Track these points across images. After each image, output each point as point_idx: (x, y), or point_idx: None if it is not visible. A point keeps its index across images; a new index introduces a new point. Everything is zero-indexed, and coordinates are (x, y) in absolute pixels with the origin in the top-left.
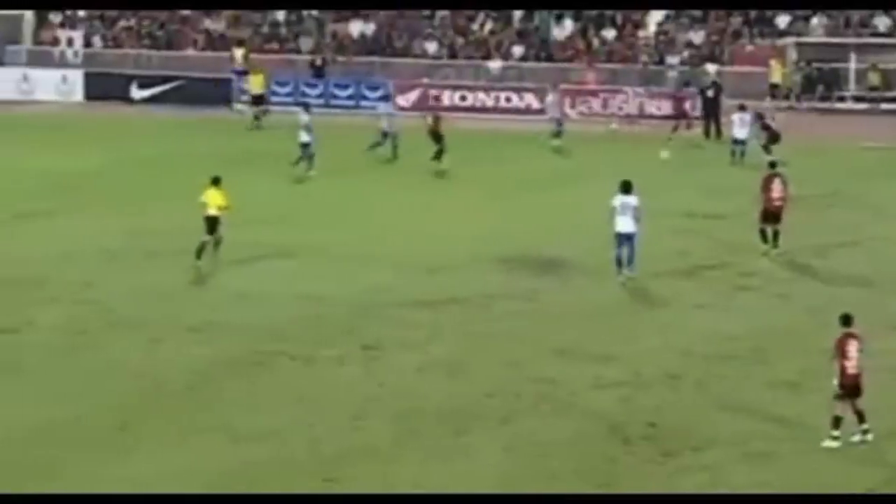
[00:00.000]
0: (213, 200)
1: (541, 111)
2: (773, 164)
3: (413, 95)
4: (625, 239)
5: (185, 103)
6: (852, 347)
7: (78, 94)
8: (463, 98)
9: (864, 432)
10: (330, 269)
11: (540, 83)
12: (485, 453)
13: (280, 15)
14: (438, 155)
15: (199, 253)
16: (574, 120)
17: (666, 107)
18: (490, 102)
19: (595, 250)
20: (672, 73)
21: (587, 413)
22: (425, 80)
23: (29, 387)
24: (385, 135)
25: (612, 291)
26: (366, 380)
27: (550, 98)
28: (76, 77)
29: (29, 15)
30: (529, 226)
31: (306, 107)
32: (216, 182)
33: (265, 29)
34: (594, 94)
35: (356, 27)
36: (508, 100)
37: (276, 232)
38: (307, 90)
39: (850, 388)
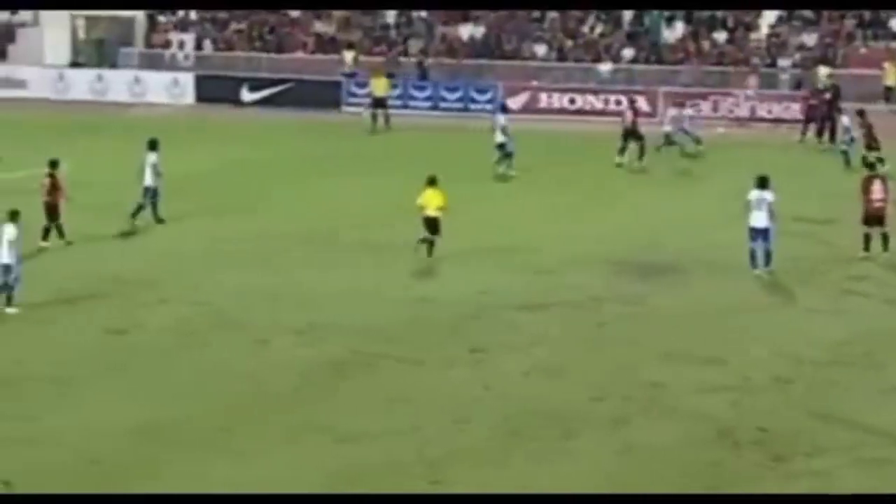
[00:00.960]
0: (432, 201)
1: (650, 115)
2: (871, 166)
3: (522, 98)
4: (759, 233)
5: (295, 106)
6: None
7: (189, 97)
8: (572, 101)
9: None
10: (437, 270)
11: (649, 86)
12: (593, 456)
13: (390, 18)
14: (641, 154)
15: (419, 249)
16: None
17: (778, 109)
18: (599, 105)
19: (704, 253)
20: (784, 76)
21: (696, 417)
22: (534, 83)
23: (136, 387)
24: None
25: (722, 295)
26: (472, 383)
27: (674, 112)
28: (187, 80)
29: (141, 18)
30: (637, 228)
31: (504, 108)
32: (433, 182)
33: (375, 32)
34: (704, 96)
35: (465, 30)
36: (618, 102)
37: (386, 234)
38: (415, 93)
39: None
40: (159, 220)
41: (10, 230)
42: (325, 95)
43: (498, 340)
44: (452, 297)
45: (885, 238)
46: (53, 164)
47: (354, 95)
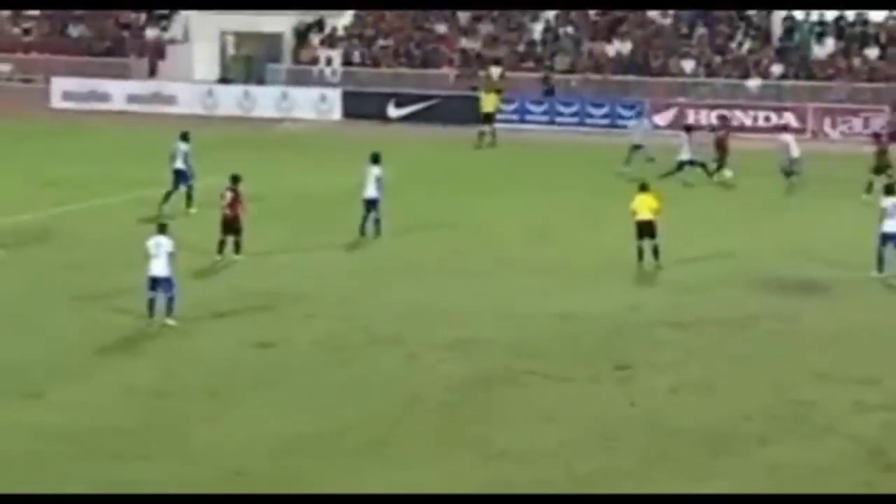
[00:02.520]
0: (646, 205)
1: (802, 130)
2: None
3: (669, 114)
4: (889, 239)
5: (440, 122)
6: None
7: (336, 113)
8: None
9: None
10: (583, 286)
11: (799, 102)
12: (741, 476)
13: (536, 34)
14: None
15: (641, 255)
16: (835, 140)
17: None
18: (748, 121)
19: (855, 269)
20: None
21: (847, 437)
22: (681, 99)
23: (285, 400)
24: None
25: (876, 313)
26: (618, 400)
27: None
28: (334, 95)
29: (289, 35)
30: (788, 244)
31: (688, 129)
32: (644, 188)
33: (520, 48)
34: (855, 113)
35: (612, 46)
36: (767, 119)
37: (531, 249)
38: (561, 108)
39: None
40: (377, 234)
41: (165, 242)
42: (471, 111)
43: (644, 357)
44: (598, 313)
45: None
46: (235, 179)
47: (501, 112)
